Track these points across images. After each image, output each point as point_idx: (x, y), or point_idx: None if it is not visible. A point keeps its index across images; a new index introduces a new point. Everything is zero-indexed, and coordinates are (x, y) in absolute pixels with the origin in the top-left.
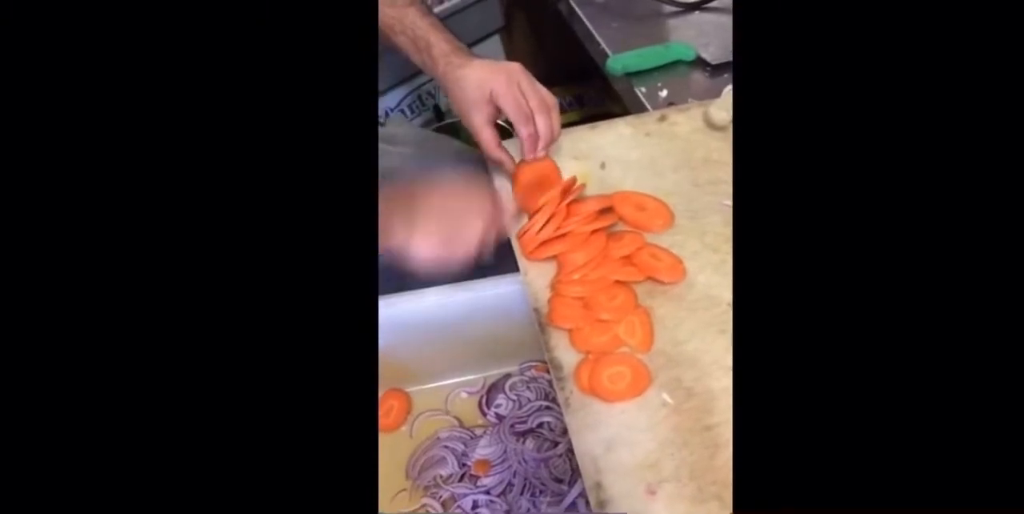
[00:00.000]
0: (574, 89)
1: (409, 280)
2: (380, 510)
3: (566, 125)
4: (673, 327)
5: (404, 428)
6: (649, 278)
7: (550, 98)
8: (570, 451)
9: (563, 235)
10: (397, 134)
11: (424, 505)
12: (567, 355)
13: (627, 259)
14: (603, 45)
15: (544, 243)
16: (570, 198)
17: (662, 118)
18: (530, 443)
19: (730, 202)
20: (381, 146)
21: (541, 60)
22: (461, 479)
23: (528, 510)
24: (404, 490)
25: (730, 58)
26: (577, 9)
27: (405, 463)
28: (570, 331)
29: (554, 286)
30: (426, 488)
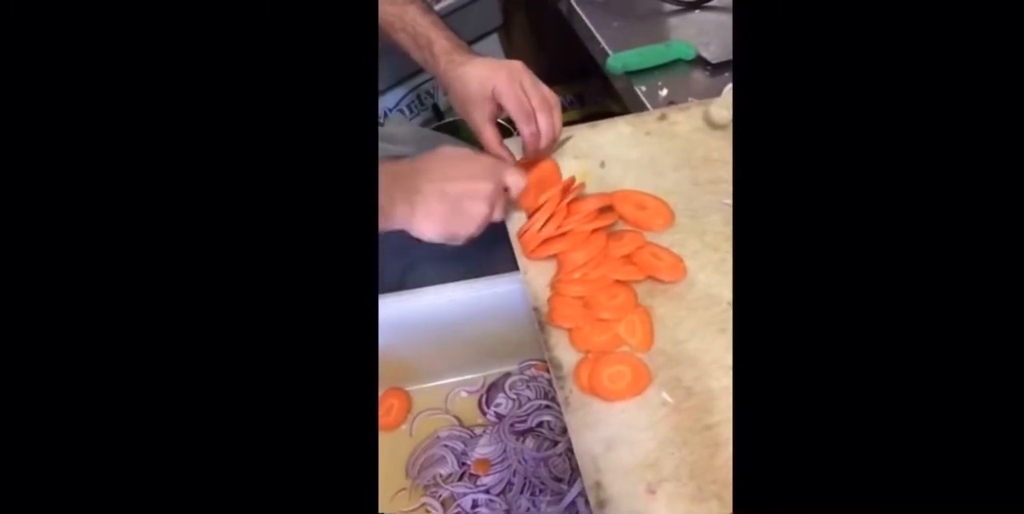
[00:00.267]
0: (574, 88)
1: (411, 257)
2: (380, 509)
3: (566, 124)
4: (673, 326)
5: (404, 427)
6: (649, 277)
7: (552, 96)
8: (570, 450)
9: (563, 234)
10: (397, 133)
11: (424, 504)
12: (567, 354)
13: (627, 258)
14: (603, 44)
15: (544, 242)
16: (570, 197)
17: (662, 117)
18: (530, 442)
19: (730, 201)
20: (381, 145)
21: (541, 59)
22: (461, 478)
23: (528, 509)
24: (404, 489)
25: (730, 57)
26: (577, 7)
27: (405, 462)
28: (570, 330)
29: (554, 285)
30: (426, 487)
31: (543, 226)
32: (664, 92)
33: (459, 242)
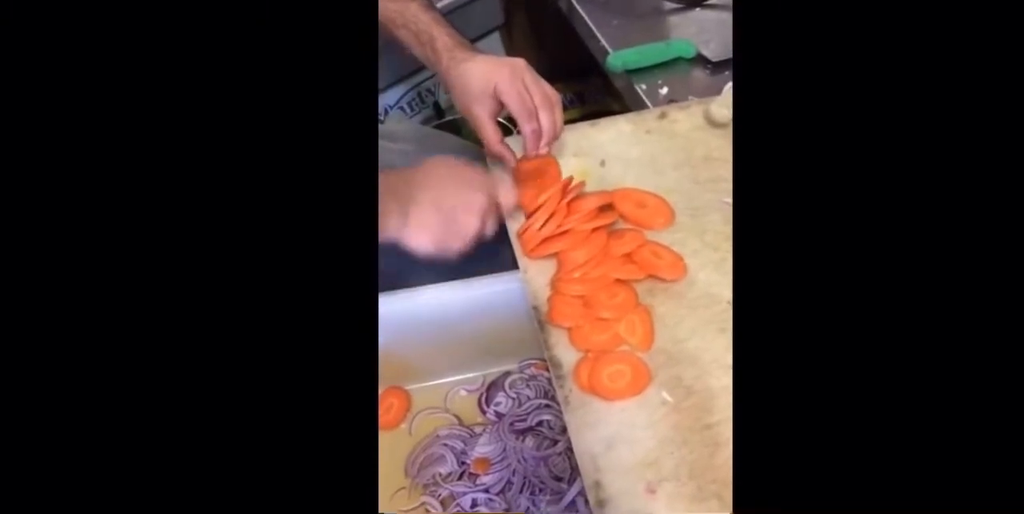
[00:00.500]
0: (574, 86)
1: (408, 262)
2: (379, 508)
3: (566, 122)
4: (673, 325)
5: (403, 426)
6: (650, 276)
7: (553, 94)
8: (569, 449)
9: (563, 233)
10: (397, 131)
11: (423, 503)
12: (566, 353)
13: (628, 257)
14: (603, 42)
15: (544, 241)
16: (571, 196)
17: (662, 115)
18: (529, 441)
19: (730, 200)
20: (381, 143)
21: (541, 57)
22: (460, 477)
23: (527, 509)
24: (403, 488)
25: (731, 55)
26: (577, 6)
27: (404, 461)
28: (569, 329)
29: (554, 284)
30: (425, 486)
31: (543, 225)
32: (664, 90)
33: (450, 255)
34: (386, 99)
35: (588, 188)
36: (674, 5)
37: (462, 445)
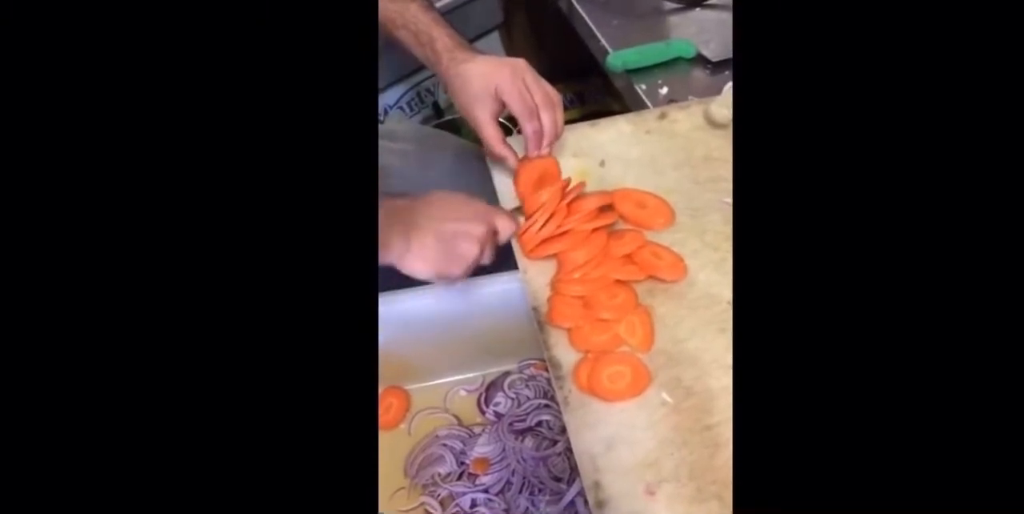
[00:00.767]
0: (574, 86)
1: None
2: (378, 509)
3: (566, 122)
4: (673, 325)
5: (403, 426)
6: (650, 277)
7: (555, 94)
8: (569, 450)
9: (563, 233)
10: (396, 131)
11: (422, 503)
12: (566, 354)
13: (628, 257)
14: (603, 42)
15: (544, 241)
16: (571, 196)
17: (662, 116)
18: (529, 442)
19: (730, 200)
20: (381, 143)
21: (541, 57)
22: (460, 477)
23: (527, 509)
24: (402, 488)
25: (731, 55)
26: (577, 6)
27: (403, 461)
28: (569, 330)
29: (554, 285)
30: (424, 486)
31: (543, 226)
32: (664, 90)
33: (449, 281)
34: (386, 99)
35: (588, 188)
36: (674, 5)
37: (461, 445)
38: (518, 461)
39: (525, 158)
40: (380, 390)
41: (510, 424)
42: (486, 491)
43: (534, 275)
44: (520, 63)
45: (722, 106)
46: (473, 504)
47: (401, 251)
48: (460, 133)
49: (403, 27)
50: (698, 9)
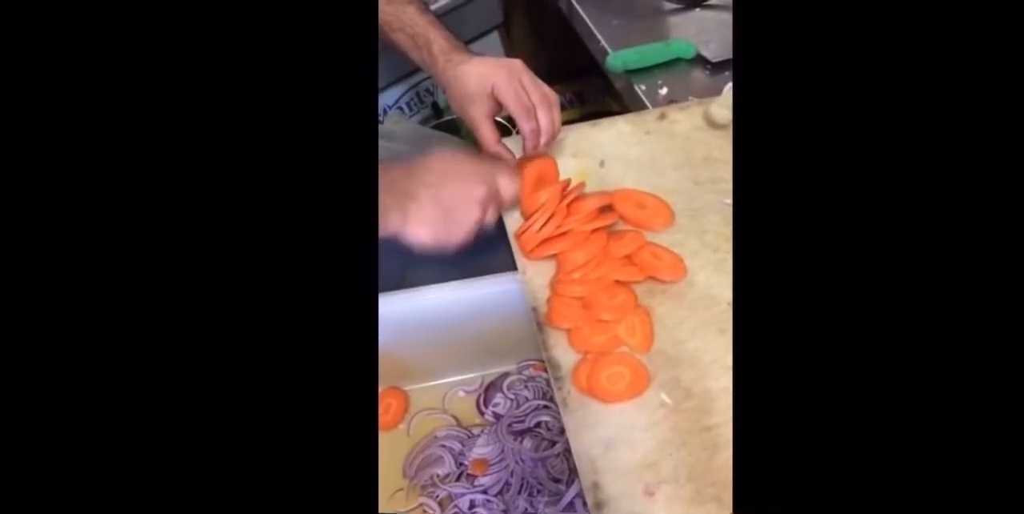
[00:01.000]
0: (574, 86)
1: (410, 256)
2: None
3: (566, 123)
4: (673, 326)
5: (401, 426)
6: (649, 277)
7: (551, 94)
8: (568, 451)
9: (563, 234)
10: (395, 131)
11: (421, 505)
12: (565, 355)
13: (627, 258)
14: (603, 42)
15: (544, 242)
16: (571, 197)
17: (662, 116)
18: (528, 442)
19: (730, 201)
20: (380, 143)
21: (541, 57)
22: (458, 478)
23: (525, 510)
24: (401, 489)
25: (730, 56)
26: (577, 6)
27: (402, 462)
28: (568, 331)
29: (553, 286)
30: (423, 487)
31: (543, 226)
32: (664, 91)
33: (451, 249)
34: (385, 99)
35: (588, 189)
36: (674, 5)
37: (460, 446)
38: (517, 462)
39: (523, 158)
40: (379, 391)
41: (509, 425)
42: (485, 492)
43: (533, 275)
44: (516, 64)
45: (722, 107)
46: (472, 505)
47: (400, 221)
48: (459, 134)
49: (400, 30)
50: (698, 9)
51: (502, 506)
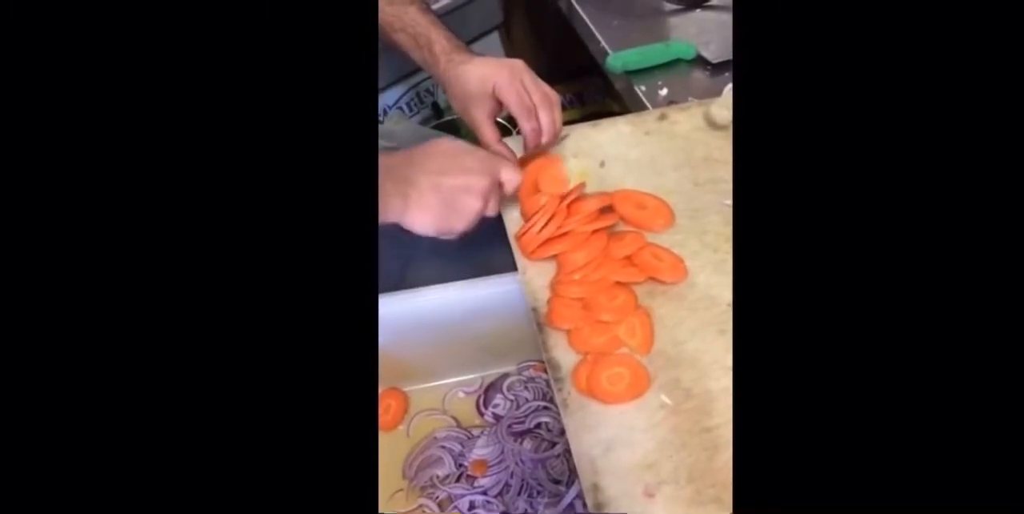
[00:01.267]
0: (574, 87)
1: (410, 257)
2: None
3: (565, 123)
4: (673, 327)
5: (401, 427)
6: (650, 278)
7: (552, 93)
8: (568, 452)
9: (563, 234)
10: (395, 131)
11: (420, 506)
12: (565, 356)
13: (628, 259)
14: (603, 43)
15: (544, 243)
16: (571, 198)
17: (662, 117)
18: (528, 443)
19: (730, 201)
20: (380, 143)
21: (541, 57)
22: (458, 479)
23: (525, 511)
24: (400, 490)
25: (731, 57)
26: (577, 6)
27: (402, 463)
28: (569, 331)
29: (553, 286)
30: (423, 488)
31: (543, 227)
32: (664, 91)
33: (452, 236)
34: (385, 99)
35: (588, 189)
36: (674, 6)
37: (460, 447)
38: (517, 463)
39: (524, 157)
40: (379, 391)
41: (509, 426)
42: (484, 493)
43: (533, 276)
44: (518, 64)
45: (722, 107)
46: (471, 506)
47: (400, 209)
48: (459, 134)
49: (401, 30)
50: (698, 10)
51: (502, 507)
